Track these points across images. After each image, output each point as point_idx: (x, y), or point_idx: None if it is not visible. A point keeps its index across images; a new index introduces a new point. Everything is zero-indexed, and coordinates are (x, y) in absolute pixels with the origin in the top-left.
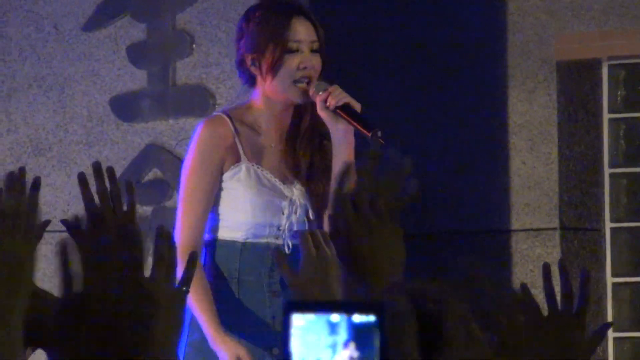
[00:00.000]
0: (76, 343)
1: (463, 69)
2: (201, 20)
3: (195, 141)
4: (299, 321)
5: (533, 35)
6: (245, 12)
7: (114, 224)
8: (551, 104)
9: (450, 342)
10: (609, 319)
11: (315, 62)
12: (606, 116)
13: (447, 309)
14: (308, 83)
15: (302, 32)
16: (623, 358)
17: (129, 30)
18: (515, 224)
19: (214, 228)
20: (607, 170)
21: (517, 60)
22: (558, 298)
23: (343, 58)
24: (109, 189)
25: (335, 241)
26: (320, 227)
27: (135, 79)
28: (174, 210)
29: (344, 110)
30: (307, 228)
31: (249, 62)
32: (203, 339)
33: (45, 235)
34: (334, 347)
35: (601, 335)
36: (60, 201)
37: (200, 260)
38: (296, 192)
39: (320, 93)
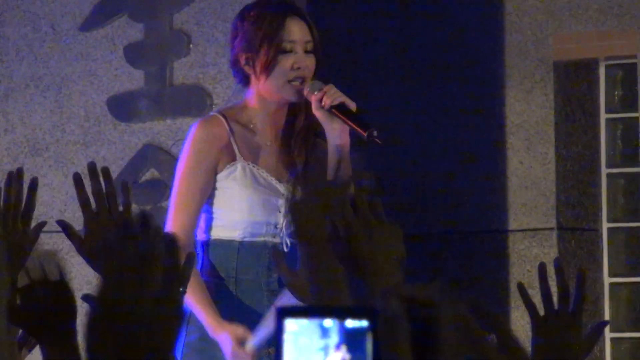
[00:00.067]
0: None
1: (461, 69)
2: (198, 21)
3: (190, 141)
4: (292, 326)
5: (530, 35)
6: (240, 11)
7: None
8: (548, 104)
9: (443, 347)
10: (606, 319)
11: (309, 62)
12: (603, 116)
13: (440, 314)
14: (302, 83)
15: (297, 32)
16: (620, 358)
17: (126, 30)
18: (512, 224)
19: (210, 228)
20: (604, 170)
21: (514, 60)
22: (555, 298)
23: (340, 59)
24: (104, 189)
25: (335, 243)
26: None
27: (133, 79)
28: None
29: (339, 109)
30: None
31: (243, 61)
32: (201, 339)
33: (42, 235)
34: (325, 349)
35: (598, 333)
36: (57, 201)
37: (197, 259)
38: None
39: (316, 93)
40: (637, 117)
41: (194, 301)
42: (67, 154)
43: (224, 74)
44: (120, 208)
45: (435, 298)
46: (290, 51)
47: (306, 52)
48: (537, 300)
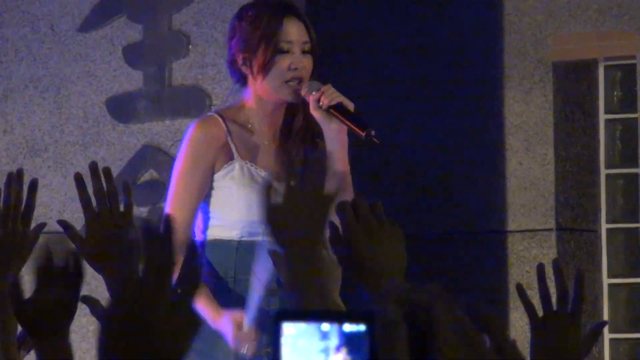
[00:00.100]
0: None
1: (460, 70)
2: (197, 21)
3: (187, 141)
4: (290, 330)
5: (530, 35)
6: (238, 11)
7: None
8: (547, 105)
9: (441, 350)
10: (605, 319)
11: (307, 62)
12: (602, 117)
13: (438, 318)
14: (299, 83)
15: (294, 32)
16: (619, 359)
17: (125, 31)
18: (511, 225)
19: (208, 228)
20: (603, 171)
21: (513, 61)
22: (554, 299)
23: (339, 60)
24: (105, 190)
25: (336, 245)
26: None
27: (132, 80)
28: None
29: (337, 109)
30: None
31: (240, 61)
32: (198, 341)
33: (42, 236)
34: (326, 351)
35: (596, 334)
36: (55, 202)
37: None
38: None
39: (314, 93)
40: (636, 118)
41: None
42: (66, 154)
43: (223, 74)
44: (122, 208)
45: (433, 301)
46: (288, 51)
47: (304, 52)
48: (536, 301)
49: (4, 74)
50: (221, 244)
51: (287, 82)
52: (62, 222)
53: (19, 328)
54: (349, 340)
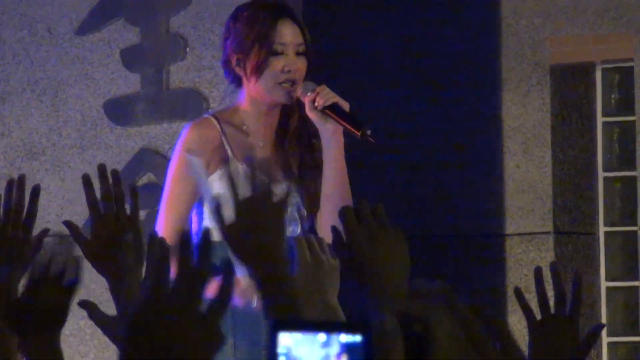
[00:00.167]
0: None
1: (457, 72)
2: (195, 24)
3: (181, 143)
4: (286, 340)
5: (527, 38)
6: (233, 12)
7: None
8: (545, 108)
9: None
10: (603, 322)
11: (301, 64)
12: (600, 120)
13: (435, 328)
14: (292, 85)
15: (288, 34)
16: None
17: (123, 33)
18: (509, 228)
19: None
20: (601, 174)
21: (511, 64)
22: (551, 301)
23: (338, 62)
24: (112, 192)
25: (339, 250)
26: (313, 225)
27: (129, 83)
28: None
29: (332, 110)
30: (298, 226)
31: (234, 62)
32: None
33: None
34: (326, 358)
35: (594, 336)
36: (53, 205)
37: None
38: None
39: (309, 94)
40: (633, 121)
41: None
42: (63, 157)
43: (221, 77)
44: (128, 212)
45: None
46: (281, 53)
47: (298, 54)
48: (534, 304)
49: (2, 76)
50: (218, 246)
51: (280, 83)
52: (67, 223)
53: None
54: (347, 350)
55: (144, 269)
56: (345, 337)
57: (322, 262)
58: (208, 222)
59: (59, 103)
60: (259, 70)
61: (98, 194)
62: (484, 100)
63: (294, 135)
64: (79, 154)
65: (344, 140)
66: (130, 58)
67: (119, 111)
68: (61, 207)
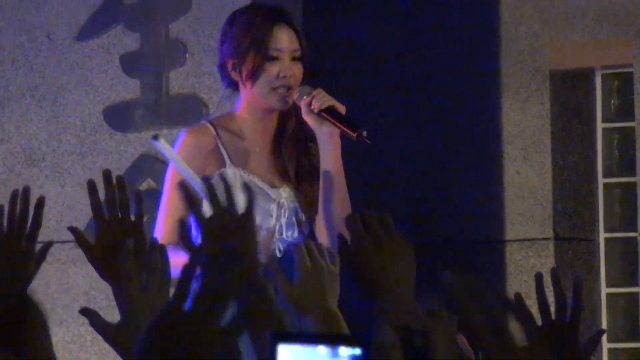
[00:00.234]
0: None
1: (457, 78)
2: (194, 30)
3: (177, 149)
4: (285, 352)
5: (526, 44)
6: (229, 16)
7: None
8: (545, 113)
9: None
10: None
11: (296, 70)
12: (600, 125)
13: (434, 342)
14: (287, 91)
15: (284, 40)
16: None
17: (122, 39)
18: (509, 234)
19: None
20: (601, 180)
21: (510, 70)
22: (552, 308)
23: (337, 67)
24: (117, 198)
25: (345, 258)
26: (311, 229)
27: (129, 89)
28: None
29: (328, 112)
30: (297, 230)
31: (230, 67)
32: None
33: (40, 246)
34: None
35: (595, 342)
36: (53, 211)
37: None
38: (284, 194)
39: (305, 97)
40: (633, 127)
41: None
42: (63, 163)
43: (220, 83)
44: (132, 217)
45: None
46: (277, 59)
47: (294, 59)
48: (534, 310)
49: (1, 82)
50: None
51: (275, 89)
52: (71, 229)
53: None
54: None
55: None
56: (344, 350)
57: (322, 268)
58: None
59: (59, 109)
60: (254, 76)
61: (102, 200)
62: (483, 106)
63: (290, 139)
64: (78, 160)
65: (341, 144)
66: (130, 64)
67: (119, 117)
68: (61, 213)
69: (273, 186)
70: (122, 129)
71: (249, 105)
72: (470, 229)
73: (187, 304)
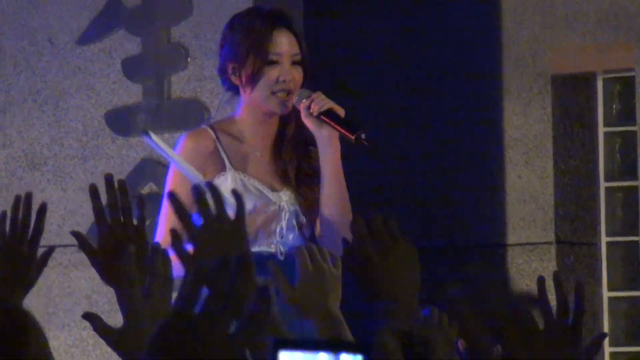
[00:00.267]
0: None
1: (459, 83)
2: (196, 34)
3: (178, 153)
4: (286, 359)
5: (528, 48)
6: (230, 19)
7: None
8: (546, 118)
9: None
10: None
11: (296, 74)
12: (601, 130)
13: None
14: (287, 95)
15: (284, 44)
16: None
17: (124, 43)
18: (511, 238)
19: None
20: (602, 184)
21: (512, 74)
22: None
23: (339, 71)
24: (119, 203)
25: (351, 264)
26: (312, 231)
27: (130, 93)
28: None
29: (327, 115)
30: (298, 233)
31: (230, 70)
32: None
33: (42, 250)
34: None
35: (597, 345)
36: (55, 216)
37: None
38: (284, 197)
39: (304, 100)
40: (635, 131)
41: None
42: (65, 168)
43: (222, 87)
44: (135, 222)
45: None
46: (277, 63)
47: (293, 63)
48: (536, 314)
49: (3, 87)
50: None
51: (275, 93)
52: (74, 233)
53: None
54: None
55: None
56: (346, 357)
57: (324, 271)
58: None
59: (61, 113)
60: (254, 80)
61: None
62: (485, 110)
63: (290, 143)
64: (80, 164)
65: (341, 146)
66: (132, 68)
67: (121, 121)
68: (63, 218)
69: (273, 189)
70: (124, 133)
71: (249, 109)
72: (472, 233)
73: (197, 309)
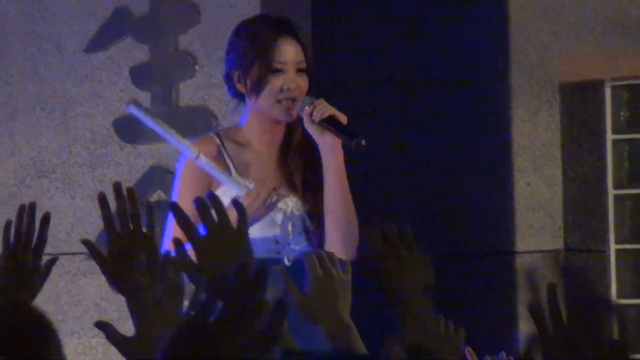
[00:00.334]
0: None
1: (467, 91)
2: (204, 42)
3: (183, 164)
4: None
5: (536, 56)
6: (236, 27)
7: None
8: (554, 125)
9: None
10: None
11: (301, 82)
12: (609, 137)
13: None
14: (292, 103)
15: (289, 52)
16: None
17: (132, 51)
18: (520, 246)
19: None
20: (611, 192)
21: (520, 82)
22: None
23: (346, 78)
24: (128, 210)
25: (365, 272)
26: (319, 237)
27: (138, 101)
28: None
29: (328, 122)
30: (305, 239)
31: (235, 78)
32: None
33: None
34: None
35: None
36: (63, 223)
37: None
38: (291, 204)
39: (307, 107)
40: None
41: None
42: (73, 175)
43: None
44: (144, 229)
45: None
46: (281, 71)
47: (299, 71)
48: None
49: (11, 95)
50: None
51: (279, 101)
52: (84, 241)
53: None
54: None
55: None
56: None
57: (333, 277)
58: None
59: (69, 121)
60: (258, 88)
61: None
62: (493, 118)
63: (296, 149)
64: (89, 172)
65: (342, 152)
66: (139, 76)
67: (129, 129)
68: (71, 225)
69: (279, 196)
70: (132, 140)
71: (255, 116)
72: (481, 241)
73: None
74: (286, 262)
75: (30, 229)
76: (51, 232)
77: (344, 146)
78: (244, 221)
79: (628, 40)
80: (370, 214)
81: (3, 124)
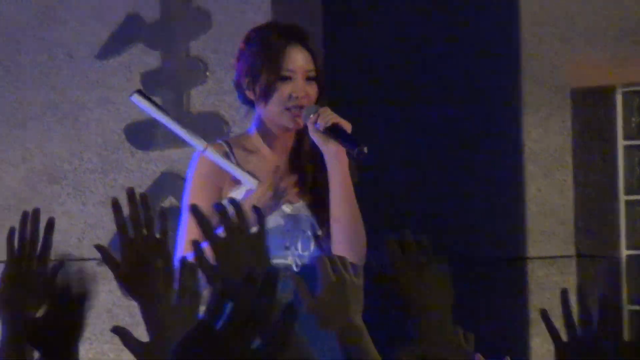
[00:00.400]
0: None
1: (478, 96)
2: (215, 48)
3: (193, 169)
4: None
5: (547, 62)
6: (246, 34)
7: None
8: (566, 131)
9: None
10: None
11: (310, 90)
12: (621, 143)
13: None
14: (300, 110)
15: (298, 60)
16: None
17: (143, 57)
18: (531, 252)
19: None
20: (622, 198)
21: (531, 88)
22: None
23: (357, 81)
24: (141, 216)
25: (384, 283)
26: (328, 243)
27: None
28: None
29: (332, 130)
30: (315, 245)
31: (245, 85)
32: None
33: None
34: None
35: None
36: (75, 229)
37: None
38: (301, 210)
39: (311, 116)
40: None
41: None
42: (85, 182)
43: None
44: (157, 235)
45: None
46: (289, 79)
47: (308, 79)
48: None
49: (22, 101)
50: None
51: (288, 109)
52: (98, 247)
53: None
54: None
55: (174, 294)
56: None
57: (345, 281)
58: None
59: (80, 127)
60: (267, 95)
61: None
62: (504, 124)
63: (306, 156)
64: (100, 178)
65: (347, 160)
66: (151, 82)
67: (140, 135)
68: (83, 231)
69: (290, 202)
70: (144, 146)
71: (264, 123)
72: (492, 247)
73: (219, 324)
74: (295, 268)
75: (34, 235)
76: (62, 238)
77: (349, 153)
78: (263, 227)
79: (639, 46)
80: (379, 220)
81: (14, 130)
